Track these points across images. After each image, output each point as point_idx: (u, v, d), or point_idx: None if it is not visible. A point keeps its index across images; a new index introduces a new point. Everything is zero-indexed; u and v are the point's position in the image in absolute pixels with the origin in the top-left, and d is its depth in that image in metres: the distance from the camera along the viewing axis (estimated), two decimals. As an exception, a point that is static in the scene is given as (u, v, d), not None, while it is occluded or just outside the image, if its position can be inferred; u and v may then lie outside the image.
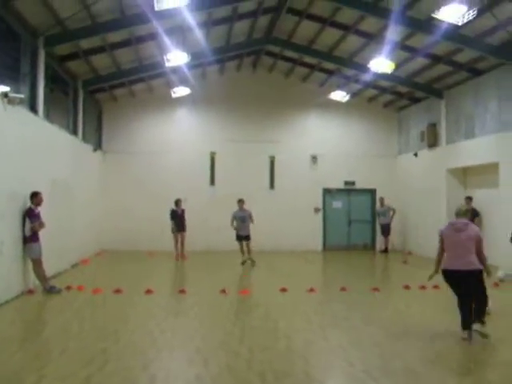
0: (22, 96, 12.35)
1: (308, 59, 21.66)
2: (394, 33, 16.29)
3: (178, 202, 20.39)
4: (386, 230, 22.88)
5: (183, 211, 20.48)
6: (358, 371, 7.07)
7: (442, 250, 9.03)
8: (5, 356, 7.68)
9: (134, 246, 21.59)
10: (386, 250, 22.81)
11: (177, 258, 19.93)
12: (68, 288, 13.15)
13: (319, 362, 7.66)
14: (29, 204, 12.65)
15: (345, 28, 17.78)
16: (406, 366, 7.31)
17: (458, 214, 9.08)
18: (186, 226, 20.38)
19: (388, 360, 7.61)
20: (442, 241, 9.03)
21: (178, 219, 20.25)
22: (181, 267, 18.70)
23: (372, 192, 24.44)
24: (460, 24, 13.53)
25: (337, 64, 20.96)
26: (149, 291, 12.67)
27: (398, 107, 24.34)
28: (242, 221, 18.83)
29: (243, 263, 18.30)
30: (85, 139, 20.12)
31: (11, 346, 8.27)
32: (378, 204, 23.53)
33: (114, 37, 16.67)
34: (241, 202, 19.15)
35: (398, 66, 18.00)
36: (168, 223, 20.18)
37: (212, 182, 23.62)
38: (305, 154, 23.99)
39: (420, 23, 15.37)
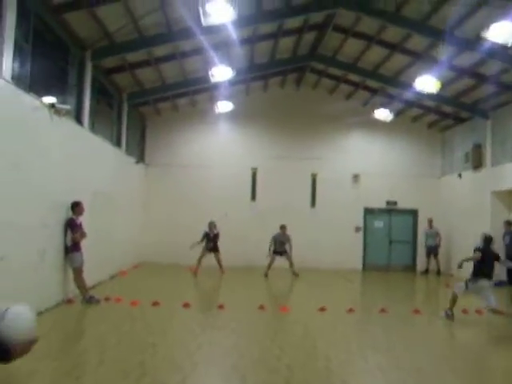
0: (68, 107, 12.49)
1: (352, 77, 21.54)
2: (440, 52, 16.11)
3: (211, 226, 20.09)
4: (433, 252, 22.55)
5: (216, 235, 20.14)
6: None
7: None
8: (44, 364, 7.69)
9: (174, 259, 21.57)
10: (427, 271, 22.49)
11: (195, 272, 19.40)
12: (106, 299, 13.19)
13: (357, 382, 7.49)
14: (70, 214, 12.77)
15: (391, 46, 17.63)
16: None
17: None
18: (218, 247, 20.19)
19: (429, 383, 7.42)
20: None
21: (210, 242, 19.99)
22: (220, 282, 18.64)
23: (414, 212, 24.10)
24: (509, 45, 13.28)
25: (381, 82, 20.79)
26: (186, 305, 12.62)
27: (442, 127, 24.00)
28: (280, 245, 18.88)
29: (266, 275, 18.61)
30: (128, 151, 20.30)
31: (50, 355, 8.29)
32: (426, 226, 23.10)
33: (160, 51, 16.81)
34: (283, 228, 19.25)
35: (443, 86, 17.72)
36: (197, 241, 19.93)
37: (253, 197, 23.59)
38: (347, 172, 23.80)
39: (467, 42, 15.14)
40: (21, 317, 3.05)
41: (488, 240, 12.41)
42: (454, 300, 12.36)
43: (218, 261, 20.11)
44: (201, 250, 19.87)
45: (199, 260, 19.80)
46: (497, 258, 12.41)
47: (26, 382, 6.80)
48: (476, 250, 12.26)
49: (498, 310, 11.79)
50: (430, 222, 22.81)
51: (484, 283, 11.93)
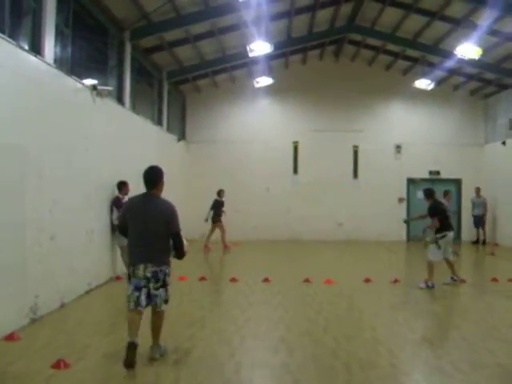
0: (110, 88, 12.66)
1: (391, 47, 21.30)
2: (481, 17, 15.81)
3: (220, 193, 20.11)
4: (480, 222, 22.24)
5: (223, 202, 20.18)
6: (445, 363, 6.91)
7: None
8: (98, 338, 7.98)
9: (216, 234, 21.77)
10: (477, 241, 22.18)
11: (208, 248, 19.41)
12: (154, 275, 13.41)
13: (405, 353, 7.53)
14: (116, 193, 13.00)
15: (430, 14, 17.35)
16: (497, 362, 7.04)
17: None
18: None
19: (477, 355, 7.39)
20: None
21: (219, 209, 20.01)
22: (264, 256, 18.77)
23: (458, 182, 23.81)
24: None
25: (421, 51, 20.49)
26: (233, 279, 12.80)
27: (484, 94, 23.58)
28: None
29: None
30: (169, 130, 20.51)
31: (102, 330, 8.55)
32: (473, 194, 22.72)
33: (198, 28, 16.88)
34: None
35: (485, 52, 17.38)
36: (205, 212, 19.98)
37: (295, 170, 23.62)
38: (389, 143, 23.63)
39: (509, 6, 14.82)
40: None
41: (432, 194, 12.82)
42: (431, 269, 12.32)
43: (223, 234, 19.91)
44: (212, 226, 19.89)
45: (210, 236, 19.83)
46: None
47: (81, 356, 7.01)
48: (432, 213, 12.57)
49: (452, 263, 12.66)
50: (478, 190, 22.37)
51: (451, 235, 12.62)
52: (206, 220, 19.75)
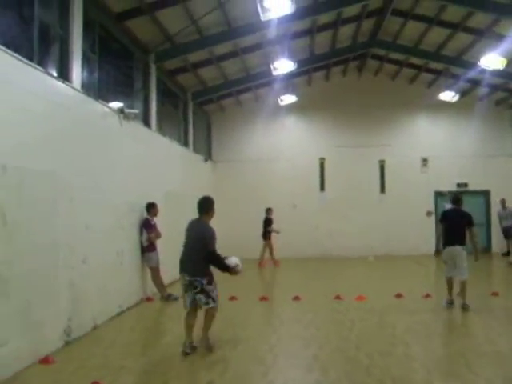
0: (136, 111, 12.83)
1: (414, 60, 21.24)
2: (504, 27, 15.74)
3: (268, 211, 20.52)
4: (509, 233, 21.94)
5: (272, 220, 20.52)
6: (481, 380, 6.84)
7: None
8: (130, 360, 8.01)
9: (244, 253, 21.64)
10: (508, 253, 21.86)
11: (262, 265, 19.91)
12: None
13: (439, 369, 7.46)
14: (145, 215, 13.11)
15: (452, 26, 17.31)
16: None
17: None
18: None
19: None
20: None
21: (268, 226, 20.33)
22: (292, 273, 18.75)
23: (486, 193, 23.58)
24: None
25: (445, 63, 20.42)
26: (263, 298, 12.79)
27: (510, 104, 23.35)
28: None
29: None
30: (195, 150, 20.65)
31: (135, 351, 8.61)
32: (499, 207, 22.45)
33: (221, 49, 17.01)
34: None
35: (509, 62, 17.28)
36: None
37: (322, 187, 23.59)
38: (415, 156, 23.50)
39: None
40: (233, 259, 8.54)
41: (454, 201, 11.83)
42: (449, 285, 11.70)
43: (272, 251, 20.27)
44: (266, 243, 20.18)
45: (265, 253, 20.13)
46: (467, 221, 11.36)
47: (115, 378, 7.06)
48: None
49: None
50: (504, 202, 22.09)
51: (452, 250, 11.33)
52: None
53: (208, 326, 8.68)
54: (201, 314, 8.69)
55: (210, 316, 8.65)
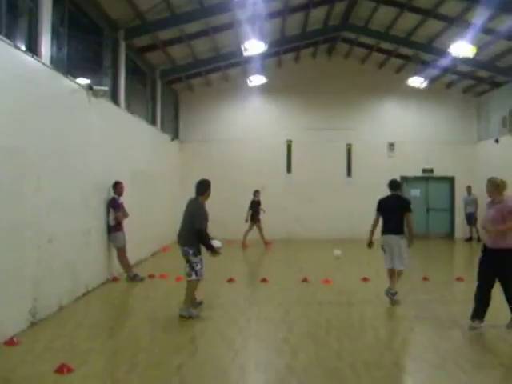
0: (105, 88, 12.58)
1: (385, 45, 21.26)
2: (475, 15, 15.80)
3: (256, 193, 20.67)
4: (472, 219, 22.25)
5: (259, 201, 20.71)
6: (450, 363, 6.91)
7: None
8: (98, 342, 7.92)
9: (211, 233, 21.63)
10: (471, 239, 22.14)
11: (245, 245, 20.13)
12: (150, 276, 13.38)
13: (408, 353, 7.54)
14: (112, 194, 12.93)
15: (423, 12, 17.32)
16: (501, 362, 7.05)
17: None
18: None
19: (480, 353, 7.41)
20: None
21: (257, 208, 20.54)
22: (259, 256, 18.76)
23: (451, 180, 23.85)
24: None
25: (415, 49, 20.48)
26: (230, 280, 12.75)
27: (477, 92, 23.57)
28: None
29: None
30: (163, 129, 20.43)
31: (102, 333, 8.49)
32: (465, 193, 22.76)
33: (192, 27, 16.77)
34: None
35: (478, 50, 17.37)
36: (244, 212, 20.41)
37: (289, 169, 23.58)
38: (382, 141, 23.61)
39: (503, 4, 14.81)
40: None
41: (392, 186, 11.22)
42: (390, 275, 10.96)
43: (262, 232, 20.48)
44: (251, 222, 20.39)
45: (247, 234, 20.32)
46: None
47: (84, 360, 6.94)
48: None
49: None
50: (469, 189, 22.45)
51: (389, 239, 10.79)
52: (246, 220, 20.28)
53: (188, 296, 9.40)
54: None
55: (190, 288, 9.41)
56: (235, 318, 9.46)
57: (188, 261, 9.36)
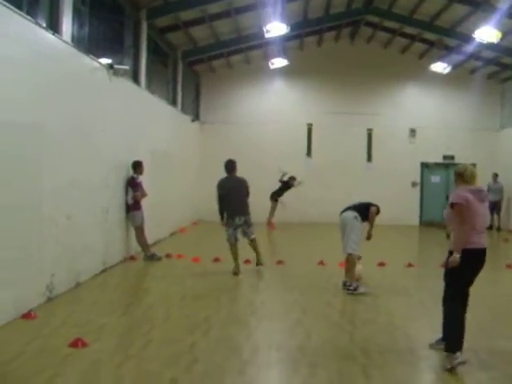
0: (126, 67, 12.60)
1: (408, 30, 21.03)
2: (501, 0, 15.58)
3: (291, 179, 21.18)
4: (496, 207, 21.86)
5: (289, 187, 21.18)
6: (464, 350, 6.87)
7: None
8: (113, 319, 7.98)
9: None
10: (491, 227, 21.79)
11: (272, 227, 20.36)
12: (168, 256, 13.45)
13: (422, 338, 7.50)
14: (131, 173, 12.99)
15: (449, -4, 17.14)
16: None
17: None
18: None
19: (495, 340, 7.39)
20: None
21: (282, 190, 21.08)
22: (276, 238, 18.79)
23: (472, 167, 23.56)
24: None
25: (438, 34, 20.24)
26: (247, 261, 12.76)
27: (502, 79, 23.28)
28: None
29: None
30: (183, 110, 20.46)
31: (117, 310, 8.56)
32: (490, 180, 22.34)
33: (214, 8, 16.72)
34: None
35: (503, 36, 17.10)
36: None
37: (309, 153, 23.54)
38: (403, 126, 23.45)
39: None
40: None
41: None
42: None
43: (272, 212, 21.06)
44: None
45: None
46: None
47: (97, 335, 7.03)
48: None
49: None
50: (495, 176, 22.02)
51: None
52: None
53: (259, 251, 12.15)
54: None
55: (255, 244, 12.11)
56: (250, 298, 9.53)
57: (250, 225, 11.80)
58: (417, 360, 6.69)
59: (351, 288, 10.06)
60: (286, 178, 20.92)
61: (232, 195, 11.61)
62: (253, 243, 12.04)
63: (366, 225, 10.88)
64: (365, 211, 10.70)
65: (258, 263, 12.07)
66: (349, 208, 10.74)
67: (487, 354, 6.79)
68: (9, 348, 6.47)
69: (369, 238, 11.00)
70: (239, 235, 11.78)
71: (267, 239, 18.53)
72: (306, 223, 21.77)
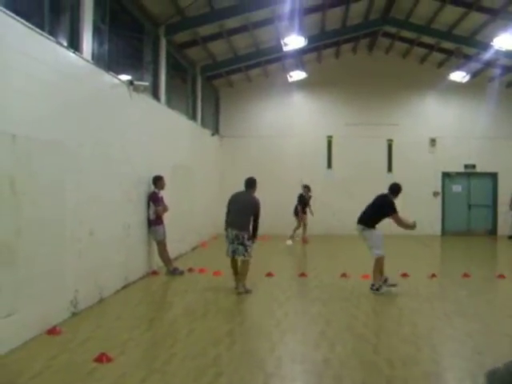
0: (146, 84, 12.70)
1: (426, 39, 20.99)
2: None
3: (305, 189, 20.69)
4: None
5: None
6: (488, 360, 6.81)
7: None
8: (137, 333, 8.02)
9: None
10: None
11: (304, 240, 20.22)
12: (190, 270, 13.48)
13: (446, 349, 7.47)
14: (153, 188, 13.06)
15: (466, 5, 17.04)
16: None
17: None
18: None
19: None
20: None
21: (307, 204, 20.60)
22: (299, 251, 18.76)
23: (493, 176, 23.48)
24: None
25: (457, 43, 20.15)
26: (269, 274, 12.78)
27: (521, 86, 23.19)
28: None
29: None
30: (203, 124, 20.56)
31: (141, 325, 8.59)
32: None
33: (232, 23, 16.84)
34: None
35: (523, 43, 17.02)
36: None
37: (329, 165, 23.53)
38: (423, 136, 23.34)
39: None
40: None
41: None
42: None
43: (298, 227, 20.46)
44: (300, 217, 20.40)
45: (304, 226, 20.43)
46: None
47: (122, 350, 7.07)
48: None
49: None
50: None
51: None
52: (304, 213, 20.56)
53: (243, 273, 11.01)
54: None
55: (244, 266, 11.00)
56: (273, 311, 9.49)
57: (242, 244, 10.88)
58: (442, 371, 6.64)
59: (374, 288, 10.92)
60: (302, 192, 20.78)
61: (234, 208, 11.27)
62: (242, 264, 11.08)
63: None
64: (373, 217, 11.82)
65: (237, 287, 10.98)
66: (359, 220, 11.82)
67: None
68: (34, 363, 6.52)
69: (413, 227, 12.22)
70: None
71: (288, 251, 18.51)
72: (327, 234, 21.73)
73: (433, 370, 6.62)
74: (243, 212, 11.09)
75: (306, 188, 20.52)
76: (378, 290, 10.91)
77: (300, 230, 20.29)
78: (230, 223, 11.16)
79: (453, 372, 6.67)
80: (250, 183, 11.63)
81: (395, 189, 12.31)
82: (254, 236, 11.10)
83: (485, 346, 7.43)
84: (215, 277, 12.67)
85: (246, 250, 10.90)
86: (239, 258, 11.04)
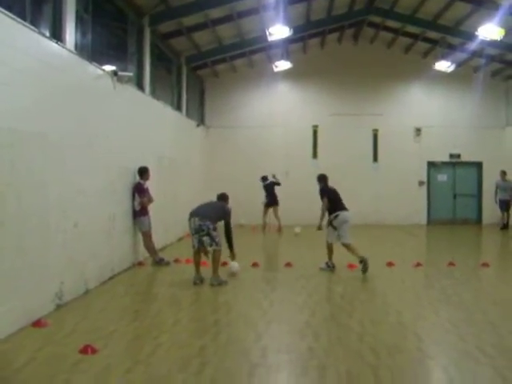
0: (130, 74, 12.64)
1: (411, 29, 21.03)
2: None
3: (264, 177, 20.93)
4: (506, 206, 21.77)
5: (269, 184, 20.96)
6: (471, 347, 6.88)
7: None
8: (122, 324, 8.02)
9: (236, 219, 21.59)
10: (505, 226, 21.60)
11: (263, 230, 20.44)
12: (176, 261, 13.47)
13: (431, 337, 7.51)
14: (137, 179, 13.02)
15: (451, -6, 17.14)
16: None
17: None
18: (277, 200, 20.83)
19: (503, 337, 7.37)
20: None
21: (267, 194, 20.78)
22: (283, 241, 18.80)
23: (478, 165, 23.61)
24: None
25: (441, 33, 20.23)
26: (255, 264, 12.80)
27: (506, 76, 23.22)
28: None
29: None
30: (188, 115, 20.51)
31: (126, 316, 8.61)
32: (497, 178, 22.06)
33: (216, 12, 16.77)
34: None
35: (507, 33, 17.08)
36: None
37: (315, 155, 23.56)
38: (408, 126, 23.42)
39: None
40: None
41: (323, 178, 13.67)
42: (330, 250, 12.55)
43: (276, 216, 20.73)
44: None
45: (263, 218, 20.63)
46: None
47: (107, 342, 7.06)
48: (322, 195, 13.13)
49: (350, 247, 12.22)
50: (504, 174, 21.82)
51: (345, 215, 12.70)
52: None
53: (215, 266, 10.73)
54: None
55: (215, 257, 10.75)
56: (258, 301, 9.51)
57: (208, 234, 10.58)
58: (426, 359, 6.69)
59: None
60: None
61: (202, 203, 11.48)
62: (212, 255, 10.83)
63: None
64: None
65: (212, 280, 10.75)
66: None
67: (495, 350, 6.76)
68: (20, 355, 6.50)
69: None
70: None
71: (273, 241, 18.55)
72: (313, 224, 21.69)
73: (417, 357, 6.67)
74: (211, 207, 11.19)
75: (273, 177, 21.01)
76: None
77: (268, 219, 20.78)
78: (192, 213, 10.93)
79: (437, 359, 6.71)
80: (223, 196, 11.72)
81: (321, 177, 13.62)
82: (230, 250, 11.29)
83: (469, 334, 7.47)
84: (201, 267, 12.63)
85: (214, 240, 10.65)
86: (209, 249, 10.80)
